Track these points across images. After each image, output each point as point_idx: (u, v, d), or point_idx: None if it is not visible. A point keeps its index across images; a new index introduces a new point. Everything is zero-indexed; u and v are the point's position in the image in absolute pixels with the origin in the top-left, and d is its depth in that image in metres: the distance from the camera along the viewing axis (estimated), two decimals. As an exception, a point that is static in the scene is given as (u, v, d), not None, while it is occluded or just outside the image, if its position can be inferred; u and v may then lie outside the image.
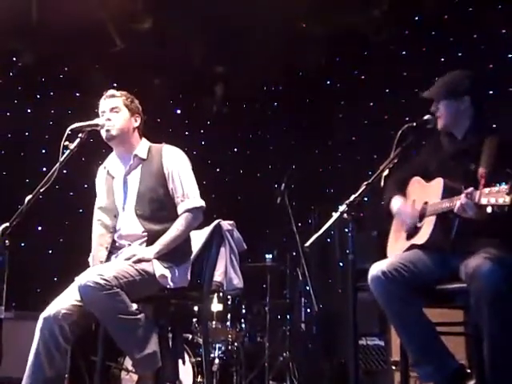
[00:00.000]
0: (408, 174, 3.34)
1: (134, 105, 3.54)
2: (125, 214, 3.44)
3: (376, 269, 2.94)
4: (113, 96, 3.49)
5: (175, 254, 3.35)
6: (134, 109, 3.53)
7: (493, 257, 2.70)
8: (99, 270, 3.07)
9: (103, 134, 3.42)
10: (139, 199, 3.40)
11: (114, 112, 3.45)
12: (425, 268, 2.95)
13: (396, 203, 3.28)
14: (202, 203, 3.46)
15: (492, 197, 2.53)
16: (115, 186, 3.53)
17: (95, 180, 3.67)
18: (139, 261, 3.21)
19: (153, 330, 3.21)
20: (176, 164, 3.47)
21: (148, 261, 3.24)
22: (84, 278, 3.00)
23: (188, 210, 3.40)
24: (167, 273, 3.27)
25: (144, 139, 3.58)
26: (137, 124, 3.53)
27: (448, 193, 2.93)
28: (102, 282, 2.97)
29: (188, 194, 3.42)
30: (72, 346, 3.14)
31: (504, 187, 2.49)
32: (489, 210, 2.55)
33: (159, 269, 3.24)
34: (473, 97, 3.11)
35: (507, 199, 2.46)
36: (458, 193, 2.85)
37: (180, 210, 3.40)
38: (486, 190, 2.57)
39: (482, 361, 2.69)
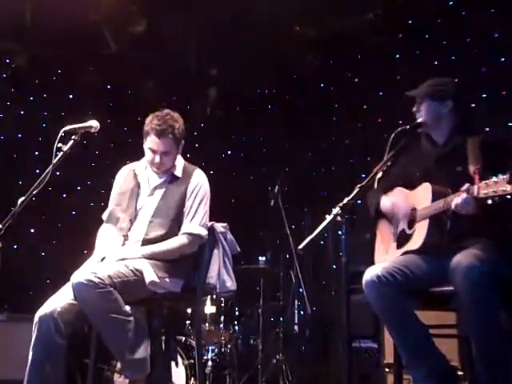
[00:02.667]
0: (390, 184, 3.35)
1: (182, 133, 3.53)
2: (137, 222, 3.46)
3: (370, 273, 2.95)
4: (165, 135, 3.44)
5: (172, 268, 3.36)
6: (181, 138, 3.54)
7: (476, 252, 2.72)
8: (94, 268, 3.07)
9: (151, 167, 3.52)
10: (156, 213, 3.44)
11: (166, 155, 3.47)
12: (420, 272, 2.96)
13: (386, 200, 3.28)
14: (201, 232, 3.48)
15: (491, 188, 2.55)
16: (141, 193, 3.55)
17: (116, 177, 3.68)
18: (123, 259, 3.22)
19: (144, 336, 3.22)
20: (198, 188, 3.53)
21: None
22: (78, 276, 3.01)
23: (187, 233, 3.43)
24: (156, 278, 3.25)
25: (179, 156, 3.62)
26: (180, 150, 3.59)
27: (437, 197, 2.95)
28: (96, 280, 2.98)
29: (193, 218, 3.47)
30: (66, 343, 3.14)
31: (502, 177, 2.51)
32: (489, 201, 2.56)
33: (149, 275, 3.22)
34: (455, 102, 3.15)
35: (508, 188, 2.48)
36: (446, 196, 2.88)
37: (181, 230, 3.44)
38: (484, 182, 2.59)
39: (473, 362, 2.70)
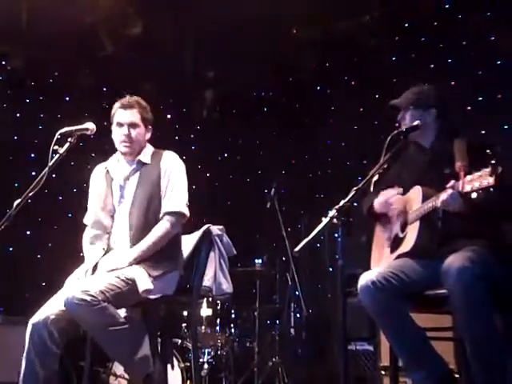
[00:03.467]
0: (384, 189, 3.35)
1: (148, 115, 3.56)
2: (119, 217, 3.43)
3: (365, 278, 2.94)
4: (131, 107, 3.48)
5: (161, 262, 3.33)
6: (149, 120, 3.55)
7: (467, 254, 2.72)
8: (84, 285, 3.04)
9: (120, 148, 3.48)
10: (134, 203, 3.41)
11: (133, 128, 3.46)
12: (415, 275, 2.95)
13: (379, 197, 3.28)
14: (183, 209, 3.43)
15: (476, 181, 2.56)
16: (114, 187, 3.52)
17: (90, 179, 3.66)
18: (112, 270, 3.20)
19: (143, 335, 3.21)
20: (171, 168, 3.49)
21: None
22: (70, 294, 2.98)
23: (168, 213, 3.39)
24: (150, 285, 3.21)
25: (148, 145, 3.61)
26: (149, 136, 3.58)
27: (427, 199, 2.96)
28: (89, 298, 2.95)
29: (171, 196, 3.42)
30: (60, 351, 3.13)
31: (485, 170, 2.52)
32: (474, 195, 2.58)
33: (142, 284, 3.19)
34: (439, 110, 3.18)
35: (491, 180, 2.48)
36: None
37: (161, 212, 3.41)
38: (468, 177, 2.61)
39: (469, 364, 2.70)
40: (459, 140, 3.01)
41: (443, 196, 2.77)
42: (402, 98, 3.26)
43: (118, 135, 3.48)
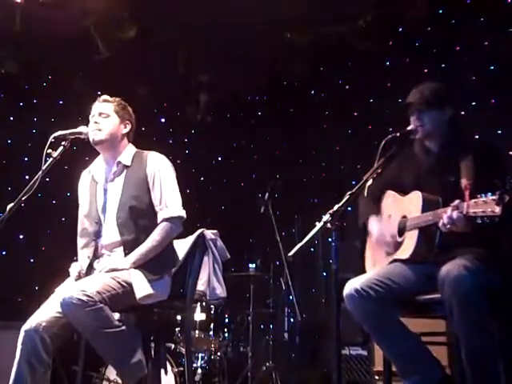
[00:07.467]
0: (382, 187, 3.33)
1: (126, 111, 3.54)
2: (106, 223, 3.40)
3: (350, 286, 2.94)
4: (105, 101, 3.51)
5: (158, 266, 3.31)
6: (125, 115, 3.53)
7: (465, 263, 2.71)
8: (81, 285, 3.02)
9: (90, 137, 3.41)
10: (120, 207, 3.37)
11: (103, 117, 3.45)
12: (405, 281, 2.94)
13: (373, 225, 3.26)
14: (181, 213, 3.41)
15: (480, 208, 2.53)
16: (98, 191, 3.49)
17: (78, 185, 3.63)
18: (112, 270, 3.18)
19: (137, 339, 3.19)
20: (158, 172, 3.43)
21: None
22: (66, 295, 2.95)
23: (166, 220, 3.36)
24: (148, 289, 3.19)
25: (131, 145, 3.56)
26: (126, 130, 3.53)
27: (427, 206, 2.94)
28: (85, 298, 2.93)
29: (167, 202, 3.39)
30: (53, 356, 3.10)
31: (491, 198, 2.49)
32: (478, 220, 2.56)
33: (140, 290, 3.17)
34: (454, 109, 3.14)
35: (497, 210, 2.46)
36: (436, 205, 2.88)
37: (158, 219, 3.37)
38: (473, 201, 2.58)
39: (464, 369, 2.70)
40: (468, 151, 2.95)
41: (447, 217, 2.73)
42: (418, 98, 3.13)
43: (90, 126, 3.46)
